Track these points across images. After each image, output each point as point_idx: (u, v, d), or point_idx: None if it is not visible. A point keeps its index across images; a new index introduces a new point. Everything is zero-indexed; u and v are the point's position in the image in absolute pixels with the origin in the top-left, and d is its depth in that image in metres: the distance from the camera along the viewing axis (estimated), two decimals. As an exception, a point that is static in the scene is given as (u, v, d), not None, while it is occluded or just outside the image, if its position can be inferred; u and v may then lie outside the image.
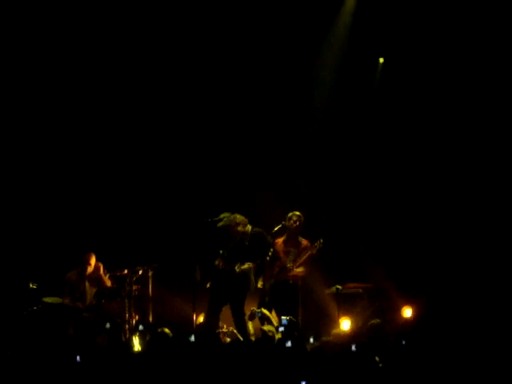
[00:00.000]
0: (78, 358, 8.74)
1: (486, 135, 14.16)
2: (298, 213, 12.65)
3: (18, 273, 13.82)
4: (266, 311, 11.91)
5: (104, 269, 13.15)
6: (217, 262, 12.39)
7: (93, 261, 13.04)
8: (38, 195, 14.57)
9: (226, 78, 14.74)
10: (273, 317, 11.99)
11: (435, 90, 14.39)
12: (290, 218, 12.61)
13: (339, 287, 12.66)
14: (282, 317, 11.41)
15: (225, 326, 12.51)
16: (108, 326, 10.76)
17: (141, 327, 10.68)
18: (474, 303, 12.49)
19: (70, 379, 8.36)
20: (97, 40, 14.44)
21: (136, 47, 14.63)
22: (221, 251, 12.41)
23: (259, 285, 12.32)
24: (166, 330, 9.83)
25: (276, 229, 12.59)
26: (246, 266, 12.17)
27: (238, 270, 12.15)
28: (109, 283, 13.02)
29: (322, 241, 12.38)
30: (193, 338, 8.80)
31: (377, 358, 8.43)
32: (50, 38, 14.24)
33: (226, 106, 14.88)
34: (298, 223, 12.60)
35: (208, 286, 12.51)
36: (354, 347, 8.62)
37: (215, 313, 12.28)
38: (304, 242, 12.63)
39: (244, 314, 12.18)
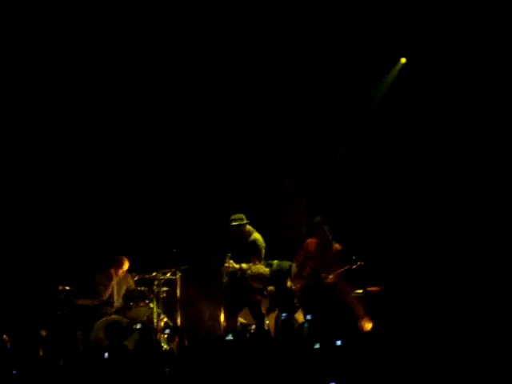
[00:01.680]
0: (106, 355, 8.91)
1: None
2: (322, 219, 12.65)
3: (48, 276, 14.00)
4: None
5: (131, 271, 13.33)
6: (226, 264, 12.79)
7: (126, 265, 13.21)
8: (69, 199, 14.76)
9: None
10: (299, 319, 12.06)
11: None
12: (317, 226, 12.67)
13: (367, 289, 12.71)
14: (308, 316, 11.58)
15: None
16: (138, 327, 10.88)
17: (167, 331, 10.75)
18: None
19: (99, 379, 8.49)
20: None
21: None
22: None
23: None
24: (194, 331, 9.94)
25: (304, 231, 12.70)
26: (245, 265, 12.76)
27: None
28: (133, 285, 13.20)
29: (362, 263, 12.41)
30: (230, 337, 9.01)
31: None
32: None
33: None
34: (325, 229, 12.67)
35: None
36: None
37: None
38: (336, 245, 12.65)
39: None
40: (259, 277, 12.68)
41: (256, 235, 13.09)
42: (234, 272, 12.83)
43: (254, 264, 12.84)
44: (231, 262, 12.75)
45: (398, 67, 14.88)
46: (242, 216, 13.14)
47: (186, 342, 9.86)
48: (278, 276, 12.57)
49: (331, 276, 12.35)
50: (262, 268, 12.77)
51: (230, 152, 15.04)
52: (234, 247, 12.98)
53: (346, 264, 12.33)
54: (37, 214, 14.63)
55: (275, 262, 12.84)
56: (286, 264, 12.68)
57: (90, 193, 14.88)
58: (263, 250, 12.95)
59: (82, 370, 8.81)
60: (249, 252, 12.95)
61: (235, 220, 13.06)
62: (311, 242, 12.77)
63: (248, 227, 13.10)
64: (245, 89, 14.89)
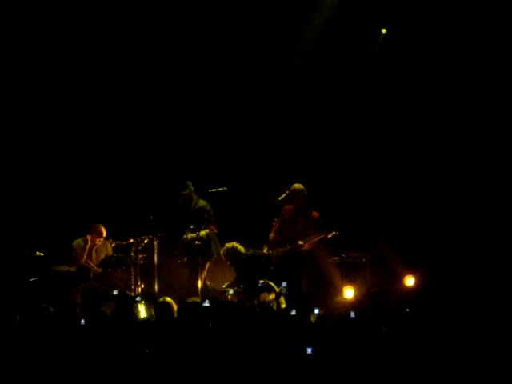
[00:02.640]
0: (82, 321, 8.91)
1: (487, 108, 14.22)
2: (299, 186, 12.68)
3: (25, 241, 13.99)
4: (269, 282, 11.96)
5: (108, 237, 13.34)
6: (184, 236, 13.11)
7: (103, 233, 13.22)
8: (46, 165, 14.74)
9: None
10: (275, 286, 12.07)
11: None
12: (295, 194, 12.63)
13: (343, 255, 12.78)
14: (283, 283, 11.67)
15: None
16: (115, 293, 10.88)
17: (138, 298, 10.76)
18: (476, 272, 12.57)
19: (75, 346, 8.49)
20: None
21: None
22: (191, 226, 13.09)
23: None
24: (168, 299, 9.91)
25: (281, 198, 12.67)
26: (203, 232, 12.96)
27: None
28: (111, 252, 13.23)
29: (338, 232, 12.44)
30: (207, 303, 9.04)
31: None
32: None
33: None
34: (302, 196, 12.66)
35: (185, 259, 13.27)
36: (352, 314, 8.78)
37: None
38: (314, 213, 12.65)
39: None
40: (233, 253, 12.70)
41: (203, 201, 13.28)
42: (192, 241, 13.00)
43: (211, 230, 13.01)
44: (188, 233, 12.95)
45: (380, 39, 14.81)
46: (190, 183, 13.22)
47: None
48: (250, 262, 12.58)
49: (306, 244, 12.40)
50: (235, 244, 12.79)
51: (209, 122, 15.02)
52: (183, 216, 13.18)
53: (322, 232, 12.39)
54: (15, 182, 14.60)
55: (250, 250, 12.85)
56: (260, 253, 12.74)
57: (68, 160, 14.85)
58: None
59: (58, 337, 8.79)
60: (199, 219, 13.06)
61: (185, 187, 13.14)
62: (288, 208, 12.77)
63: (193, 195, 13.30)
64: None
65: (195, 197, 13.35)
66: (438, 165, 14.37)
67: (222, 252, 12.85)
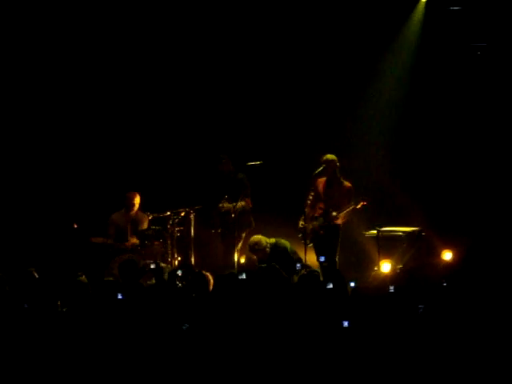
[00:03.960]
0: (119, 295, 8.97)
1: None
2: (332, 157, 12.60)
3: (63, 213, 14.11)
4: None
5: (146, 210, 13.40)
6: (220, 205, 13.15)
7: (137, 200, 13.24)
8: (85, 139, 14.80)
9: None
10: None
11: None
12: (327, 164, 12.54)
13: (380, 229, 12.72)
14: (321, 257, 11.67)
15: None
16: (153, 266, 10.96)
17: (179, 272, 10.82)
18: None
19: (113, 318, 8.55)
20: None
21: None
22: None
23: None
24: (204, 272, 9.95)
25: (317, 171, 12.61)
26: (240, 204, 12.90)
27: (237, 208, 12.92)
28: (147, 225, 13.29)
29: (367, 201, 12.33)
30: (243, 276, 9.06)
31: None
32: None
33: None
34: (334, 167, 12.59)
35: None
36: (391, 289, 8.75)
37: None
38: (346, 184, 12.60)
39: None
40: (260, 249, 12.64)
41: (241, 174, 13.25)
42: (228, 212, 13.02)
43: (247, 203, 13.01)
44: (225, 202, 13.00)
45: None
46: (224, 156, 13.34)
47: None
48: (274, 253, 12.54)
49: (340, 215, 12.36)
50: (260, 237, 12.70)
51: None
52: (220, 187, 13.26)
53: (351, 203, 12.34)
54: (55, 155, 14.70)
55: (273, 239, 12.78)
56: (284, 243, 12.67)
57: (107, 133, 14.89)
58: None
59: (94, 309, 8.86)
60: (237, 190, 13.08)
61: (224, 159, 13.24)
62: (320, 181, 12.71)
63: (231, 167, 13.34)
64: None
65: (233, 169, 13.33)
66: (480, 138, 14.24)
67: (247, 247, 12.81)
